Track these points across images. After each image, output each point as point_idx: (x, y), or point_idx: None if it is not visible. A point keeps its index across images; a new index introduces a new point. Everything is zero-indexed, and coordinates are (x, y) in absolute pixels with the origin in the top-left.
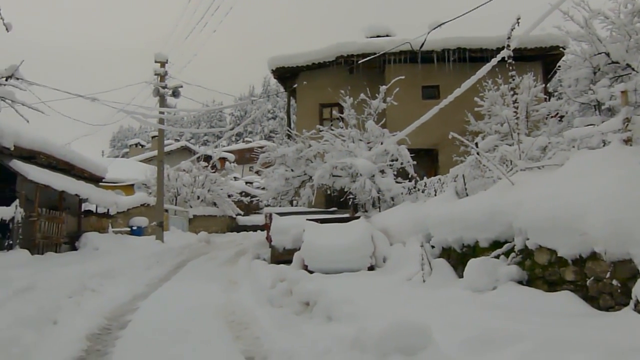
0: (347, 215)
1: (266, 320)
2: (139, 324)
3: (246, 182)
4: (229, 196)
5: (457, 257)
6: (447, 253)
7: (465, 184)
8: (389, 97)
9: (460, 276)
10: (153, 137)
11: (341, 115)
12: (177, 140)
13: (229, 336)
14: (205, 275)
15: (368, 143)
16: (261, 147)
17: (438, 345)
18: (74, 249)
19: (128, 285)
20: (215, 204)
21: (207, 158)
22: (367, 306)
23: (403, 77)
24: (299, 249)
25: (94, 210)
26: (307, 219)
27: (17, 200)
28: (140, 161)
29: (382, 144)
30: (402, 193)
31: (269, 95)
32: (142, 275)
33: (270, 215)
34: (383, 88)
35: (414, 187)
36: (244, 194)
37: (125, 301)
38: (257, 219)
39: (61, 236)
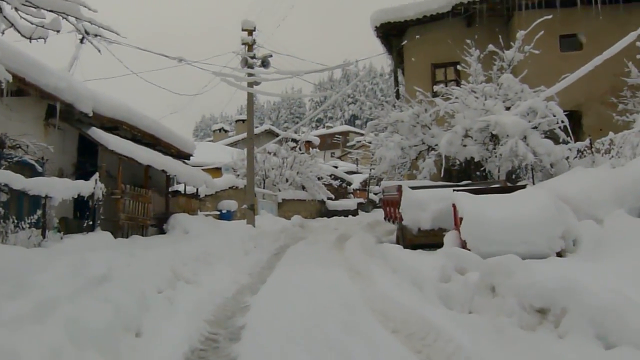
0: (498, 185)
1: (463, 335)
2: (259, 334)
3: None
4: (319, 179)
5: None
6: None
7: None
8: (527, 46)
9: None
10: (237, 120)
11: (465, 70)
12: (260, 124)
13: (411, 358)
14: (316, 262)
15: (504, 102)
16: (343, 133)
17: None
18: (162, 232)
19: (229, 274)
20: (303, 188)
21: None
22: None
23: (549, 16)
24: (439, 229)
25: (182, 191)
26: (454, 190)
27: (97, 174)
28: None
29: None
30: (567, 157)
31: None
32: (242, 261)
33: (399, 187)
34: (521, 34)
35: (589, 148)
36: (333, 176)
37: (229, 295)
38: (348, 203)
39: (148, 217)
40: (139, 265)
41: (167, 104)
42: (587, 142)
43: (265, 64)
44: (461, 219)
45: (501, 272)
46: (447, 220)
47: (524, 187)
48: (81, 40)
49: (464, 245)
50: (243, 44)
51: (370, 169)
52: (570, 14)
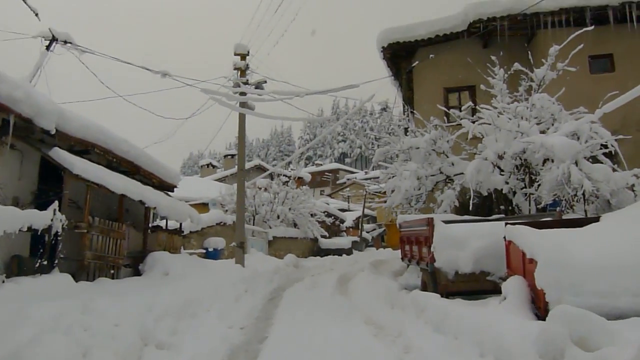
0: (551, 219)
1: None
2: None
3: None
4: (312, 215)
5: None
6: None
7: None
8: (560, 63)
9: None
10: (225, 156)
11: (489, 90)
12: (249, 161)
13: None
14: (323, 312)
15: (538, 124)
16: (332, 170)
17: None
18: (138, 273)
19: (216, 330)
20: (295, 225)
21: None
22: None
23: (581, 30)
24: (480, 273)
25: (164, 227)
26: (507, 223)
27: (57, 202)
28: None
29: (552, 123)
30: (630, 185)
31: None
32: (232, 310)
33: (430, 220)
34: (553, 50)
35: None
36: (326, 213)
37: None
38: (341, 241)
39: (120, 256)
40: (91, 325)
41: (153, 134)
42: None
43: (258, 89)
44: (530, 260)
45: None
46: (491, 262)
47: (597, 219)
48: (47, 47)
49: (539, 296)
50: (235, 68)
51: (364, 206)
52: (601, 33)
